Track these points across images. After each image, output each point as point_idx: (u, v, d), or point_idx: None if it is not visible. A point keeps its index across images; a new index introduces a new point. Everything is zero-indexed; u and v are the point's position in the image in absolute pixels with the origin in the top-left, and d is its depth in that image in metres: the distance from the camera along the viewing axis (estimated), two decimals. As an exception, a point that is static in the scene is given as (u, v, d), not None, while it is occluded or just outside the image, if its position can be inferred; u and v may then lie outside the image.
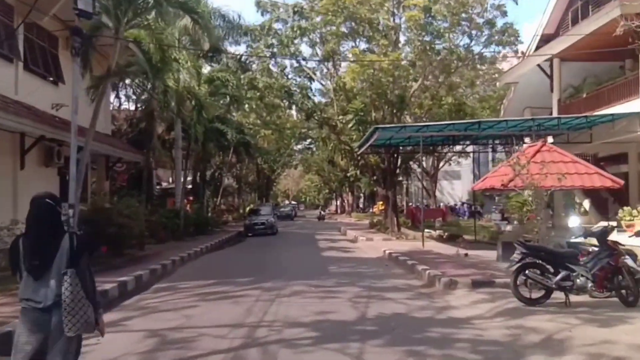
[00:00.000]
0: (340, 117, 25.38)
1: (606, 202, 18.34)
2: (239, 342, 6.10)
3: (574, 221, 10.51)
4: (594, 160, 18.10)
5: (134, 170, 23.95)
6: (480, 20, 23.00)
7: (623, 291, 7.63)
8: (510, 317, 7.16)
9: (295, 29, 24.53)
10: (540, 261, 7.91)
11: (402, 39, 24.45)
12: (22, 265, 3.46)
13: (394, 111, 23.07)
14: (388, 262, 14.17)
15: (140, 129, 23.99)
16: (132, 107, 29.00)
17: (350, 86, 23.40)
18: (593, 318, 6.99)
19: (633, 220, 11.41)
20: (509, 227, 18.10)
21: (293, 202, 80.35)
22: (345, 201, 64.70)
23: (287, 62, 27.37)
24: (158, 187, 30.18)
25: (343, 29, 23.36)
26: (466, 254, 13.61)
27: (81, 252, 3.46)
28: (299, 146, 49.13)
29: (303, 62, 27.40)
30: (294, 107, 30.25)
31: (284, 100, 28.39)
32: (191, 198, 26.93)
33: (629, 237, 9.85)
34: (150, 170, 24.61)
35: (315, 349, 5.80)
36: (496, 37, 23.56)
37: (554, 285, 7.70)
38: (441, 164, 38.31)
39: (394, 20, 23.39)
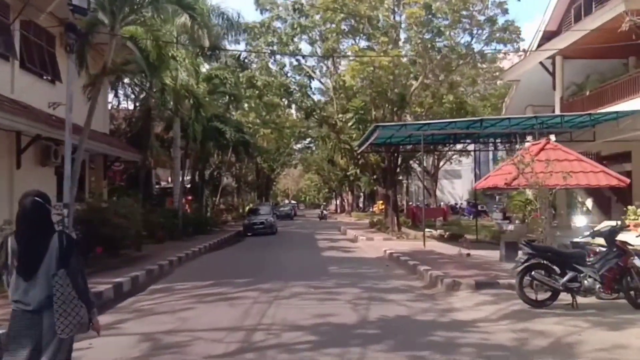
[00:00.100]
0: (340, 115, 25.19)
1: (609, 201, 18.13)
2: (235, 346, 5.89)
3: (580, 220, 10.30)
4: (597, 159, 17.85)
5: (133, 170, 23.76)
6: (481, 18, 22.84)
7: (632, 293, 7.42)
8: (516, 319, 6.95)
9: (295, 26, 24.32)
10: (546, 262, 7.70)
11: (402, 36, 24.31)
12: (10, 265, 3.35)
13: (395, 110, 22.89)
14: (389, 262, 13.96)
15: (139, 128, 23.78)
16: (131, 107, 28.82)
17: (350, 84, 23.20)
18: (602, 321, 6.77)
19: (638, 219, 11.18)
20: (510, 227, 17.88)
21: (293, 202, 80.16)
22: (345, 200, 64.50)
23: (286, 60, 27.24)
24: (157, 186, 29.97)
25: (343, 26, 23.17)
26: (468, 254, 13.39)
27: (71, 252, 3.37)
28: (299, 145, 48.98)
29: (302, 61, 27.25)
30: (293, 105, 30.10)
31: (283, 99, 28.24)
32: (190, 197, 26.71)
33: (636, 236, 9.62)
34: (149, 169, 24.42)
35: (315, 355, 5.58)
36: (497, 35, 23.39)
37: (560, 287, 7.48)
38: (442, 163, 38.18)
39: (394, 17, 23.21)
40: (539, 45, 19.89)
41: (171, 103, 20.54)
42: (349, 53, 23.69)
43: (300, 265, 13.60)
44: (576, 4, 19.30)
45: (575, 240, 10.04)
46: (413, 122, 21.39)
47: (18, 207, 3.43)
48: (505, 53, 25.42)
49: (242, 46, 26.58)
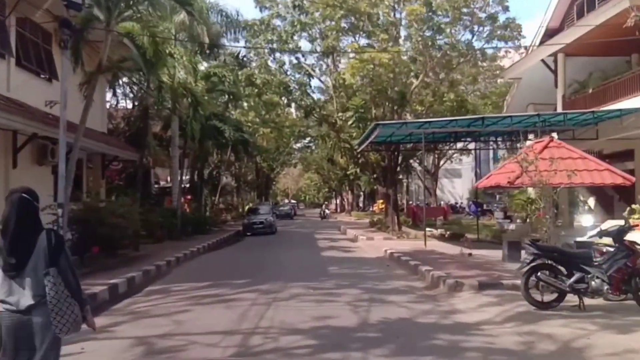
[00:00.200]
0: (340, 114, 24.99)
1: (612, 200, 17.95)
2: (232, 350, 5.69)
3: (586, 220, 10.09)
4: (599, 158, 17.66)
5: (132, 169, 23.56)
6: (482, 15, 22.63)
7: (640, 294, 7.22)
8: (522, 322, 6.74)
9: (295, 24, 24.12)
10: (552, 262, 7.49)
11: (402, 34, 24.10)
12: None
13: (395, 108, 22.68)
14: (389, 262, 13.76)
15: (137, 127, 23.57)
16: (130, 106, 28.60)
17: (350, 82, 22.98)
18: (610, 323, 6.57)
19: (644, 218, 11.00)
20: (512, 226, 17.71)
21: (292, 201, 79.93)
22: (345, 200, 64.31)
23: (285, 58, 27.03)
24: (156, 185, 29.77)
25: (343, 24, 22.96)
26: (470, 254, 13.18)
27: (60, 250, 3.29)
28: (298, 144, 48.75)
29: (302, 59, 27.05)
30: (293, 104, 29.88)
31: (283, 97, 28.02)
32: (189, 197, 26.53)
33: (642, 236, 9.42)
34: (147, 168, 24.22)
35: None
36: (498, 32, 23.20)
37: (567, 288, 7.27)
38: (442, 162, 38.00)
39: (394, 14, 23.01)
40: (541, 43, 19.71)
41: (169, 101, 20.31)
42: (349, 51, 23.47)
43: (300, 265, 13.41)
44: (579, 0, 19.11)
45: (580, 239, 9.86)
46: (413, 121, 21.17)
47: (5, 203, 3.35)
48: (506, 50, 25.21)
49: (241, 44, 26.25)
